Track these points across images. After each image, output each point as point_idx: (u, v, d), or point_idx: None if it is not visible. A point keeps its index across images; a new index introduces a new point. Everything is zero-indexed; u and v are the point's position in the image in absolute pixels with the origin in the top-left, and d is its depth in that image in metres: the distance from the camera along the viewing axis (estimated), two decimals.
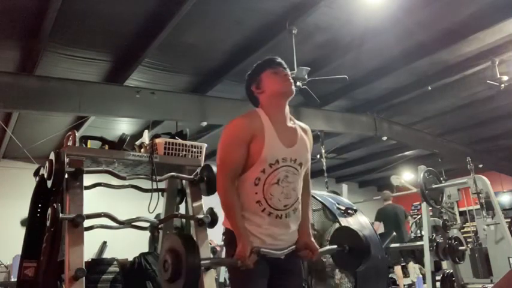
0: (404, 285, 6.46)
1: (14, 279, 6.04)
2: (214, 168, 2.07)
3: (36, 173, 2.69)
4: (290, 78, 1.80)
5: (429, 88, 6.95)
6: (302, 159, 1.75)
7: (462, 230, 6.63)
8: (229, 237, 1.72)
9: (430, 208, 5.04)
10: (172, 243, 1.60)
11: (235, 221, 1.66)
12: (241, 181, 1.71)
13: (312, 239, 1.81)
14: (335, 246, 2.04)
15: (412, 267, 6.90)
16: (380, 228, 6.36)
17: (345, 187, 6.47)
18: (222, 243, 5.86)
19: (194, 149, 2.86)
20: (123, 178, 2.60)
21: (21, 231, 2.58)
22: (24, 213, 2.58)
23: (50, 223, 2.21)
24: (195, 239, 2.56)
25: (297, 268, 1.82)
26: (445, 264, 5.67)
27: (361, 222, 3.23)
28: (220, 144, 1.73)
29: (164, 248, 1.64)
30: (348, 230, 2.19)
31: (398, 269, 6.40)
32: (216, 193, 1.75)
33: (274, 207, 1.68)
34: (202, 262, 1.60)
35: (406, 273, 7.05)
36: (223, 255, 6.16)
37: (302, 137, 1.80)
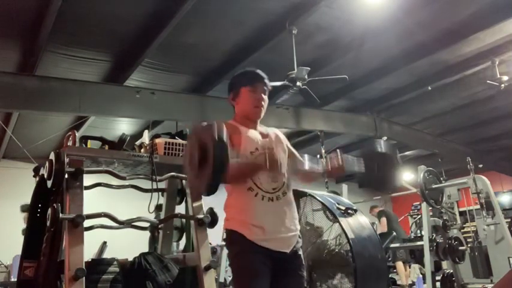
0: (404, 285, 6.46)
1: (14, 279, 6.03)
2: None
3: (35, 170, 2.68)
4: (263, 101, 1.88)
5: (429, 88, 6.95)
6: (280, 147, 1.85)
7: (462, 230, 6.63)
8: (231, 238, 1.75)
9: (430, 208, 5.04)
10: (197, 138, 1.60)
11: (243, 164, 1.72)
12: None
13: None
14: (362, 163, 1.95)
15: (412, 267, 6.90)
16: (384, 226, 6.47)
17: (345, 187, 6.47)
18: (222, 243, 5.86)
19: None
20: (123, 178, 2.60)
21: (22, 230, 2.58)
22: (21, 213, 2.58)
23: (50, 223, 2.21)
24: (195, 239, 2.57)
25: (300, 268, 1.83)
26: (445, 264, 5.67)
27: (361, 222, 3.23)
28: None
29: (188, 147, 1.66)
30: (379, 153, 2.06)
31: (400, 264, 6.38)
32: (216, 193, 1.75)
33: (264, 189, 1.75)
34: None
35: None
36: (223, 255, 6.17)
37: (274, 132, 1.94)
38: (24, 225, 2.59)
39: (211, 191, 1.57)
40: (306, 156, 1.97)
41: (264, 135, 1.88)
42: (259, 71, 1.92)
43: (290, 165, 1.87)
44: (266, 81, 1.90)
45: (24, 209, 5.81)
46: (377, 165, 1.98)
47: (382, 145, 2.04)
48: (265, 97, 1.90)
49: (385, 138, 8.03)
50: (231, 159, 1.64)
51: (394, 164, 1.99)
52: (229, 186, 1.80)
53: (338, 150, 1.90)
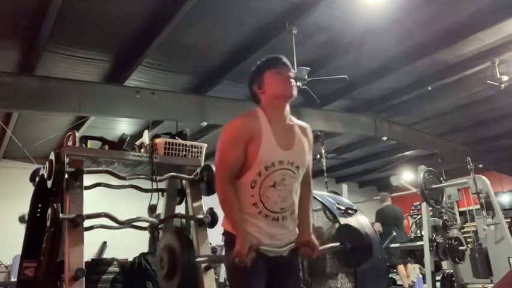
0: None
1: (14, 279, 6.03)
2: (214, 168, 2.08)
3: (32, 179, 2.68)
4: (293, 80, 1.76)
5: (429, 88, 6.95)
6: (300, 162, 1.74)
7: (462, 230, 6.62)
8: (229, 239, 1.73)
9: (430, 208, 5.03)
10: (168, 241, 1.60)
11: (234, 219, 1.67)
12: (239, 183, 1.71)
13: (313, 237, 1.80)
14: (337, 244, 2.03)
15: (412, 267, 6.89)
16: (379, 229, 6.37)
17: (345, 187, 6.47)
18: (222, 243, 5.86)
19: (194, 149, 2.86)
20: (123, 178, 2.60)
21: (21, 231, 2.58)
22: (24, 211, 2.58)
23: (50, 223, 2.21)
24: (195, 239, 2.57)
25: (296, 268, 1.83)
26: (445, 264, 5.67)
27: (361, 222, 3.23)
28: (219, 144, 1.73)
29: (160, 246, 1.64)
30: (350, 228, 2.19)
31: (401, 268, 6.36)
32: (216, 193, 1.75)
33: (270, 209, 1.68)
34: (198, 259, 1.60)
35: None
36: (225, 254, 6.17)
37: (300, 139, 1.78)
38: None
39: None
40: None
41: (289, 143, 1.72)
42: (278, 55, 1.81)
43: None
44: (288, 64, 1.79)
45: (22, 220, 5.81)
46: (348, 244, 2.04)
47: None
48: (290, 73, 1.76)
49: (385, 138, 8.04)
50: (244, 172, 1.65)
51: (364, 243, 2.04)
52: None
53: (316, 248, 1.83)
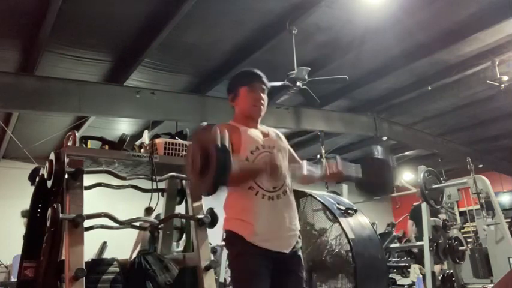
0: (404, 285, 6.45)
1: (14, 279, 6.03)
2: None
3: (30, 178, 2.68)
4: (263, 100, 1.88)
5: (429, 88, 6.95)
6: (279, 147, 1.88)
7: (462, 230, 6.62)
8: (230, 239, 1.75)
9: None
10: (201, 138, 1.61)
11: (244, 168, 1.71)
12: None
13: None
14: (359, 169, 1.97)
15: (412, 267, 6.88)
16: (412, 228, 6.27)
17: (345, 187, 6.46)
18: (222, 243, 5.85)
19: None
20: (123, 178, 2.59)
21: (21, 232, 2.58)
22: (26, 206, 2.58)
23: (50, 223, 2.21)
24: (195, 239, 2.57)
25: (299, 268, 1.83)
26: (445, 265, 5.66)
27: (361, 222, 3.23)
28: None
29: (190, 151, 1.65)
30: (376, 159, 2.11)
31: (438, 268, 5.80)
32: (216, 193, 1.75)
33: (264, 188, 1.75)
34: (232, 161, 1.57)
35: (405, 274, 7.03)
36: (223, 255, 6.17)
37: (274, 131, 1.96)
38: (24, 230, 2.58)
39: (211, 194, 1.58)
40: (305, 162, 1.97)
41: (265, 134, 1.90)
42: (256, 70, 1.92)
43: (290, 169, 1.88)
44: (264, 80, 1.90)
45: (24, 214, 5.81)
46: (374, 171, 2.02)
47: (379, 151, 2.08)
48: (264, 96, 1.90)
49: (385, 138, 8.04)
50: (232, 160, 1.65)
51: (390, 170, 2.04)
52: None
53: (337, 157, 1.90)
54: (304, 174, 1.92)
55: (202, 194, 1.72)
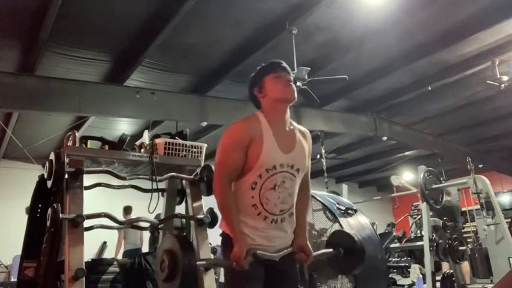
0: (404, 285, 6.45)
1: (14, 279, 6.03)
2: (214, 171, 2.08)
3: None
4: (293, 84, 1.77)
5: (429, 88, 6.94)
6: (300, 165, 1.75)
7: (462, 230, 6.62)
8: (226, 240, 1.73)
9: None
10: (169, 244, 1.61)
11: (232, 222, 1.67)
12: (239, 185, 1.72)
13: (308, 242, 1.81)
14: (330, 250, 2.04)
15: (412, 267, 6.88)
16: None
17: (345, 187, 6.47)
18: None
19: (194, 149, 2.86)
20: (123, 178, 2.59)
21: (22, 232, 2.58)
22: (22, 213, 2.58)
23: (50, 223, 2.21)
24: (195, 239, 2.56)
25: (293, 270, 1.83)
26: (446, 266, 5.66)
27: (361, 222, 3.23)
28: (219, 147, 1.73)
29: (161, 248, 1.65)
30: (344, 233, 2.20)
31: (465, 265, 5.40)
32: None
33: (270, 211, 1.69)
34: (198, 263, 1.60)
35: (405, 274, 7.03)
36: (222, 255, 6.16)
37: (301, 142, 1.79)
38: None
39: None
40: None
41: (290, 146, 1.73)
42: (277, 60, 1.82)
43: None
44: (286, 66, 1.80)
45: (28, 211, 5.80)
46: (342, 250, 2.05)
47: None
48: (292, 83, 1.77)
49: (385, 138, 8.04)
50: (244, 174, 1.66)
51: (357, 248, 2.06)
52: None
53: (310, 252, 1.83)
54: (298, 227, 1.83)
55: None
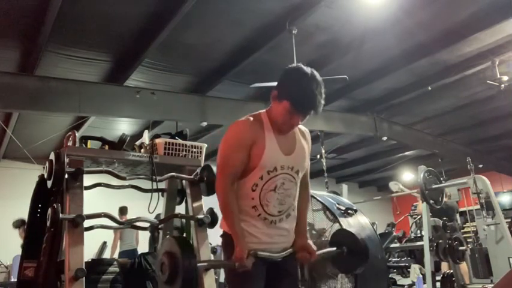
0: (404, 285, 6.45)
1: (14, 279, 6.03)
2: (215, 169, 2.08)
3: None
4: (296, 125, 1.72)
5: (429, 88, 6.95)
6: (299, 166, 1.76)
7: (462, 230, 6.62)
8: (227, 240, 1.73)
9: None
10: (169, 246, 1.61)
11: (233, 223, 1.67)
12: (240, 185, 1.72)
13: (310, 241, 1.82)
14: (334, 249, 2.04)
15: (412, 267, 6.88)
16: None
17: (345, 187, 6.46)
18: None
19: (194, 149, 2.86)
20: (123, 178, 2.59)
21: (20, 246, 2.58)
22: (21, 213, 2.58)
23: (50, 223, 2.21)
24: (195, 239, 2.56)
25: (294, 270, 1.84)
26: (445, 266, 5.66)
27: (361, 222, 3.23)
28: (222, 144, 1.73)
29: (162, 250, 1.65)
30: (347, 232, 2.20)
31: (463, 266, 5.44)
32: (216, 195, 1.76)
33: (269, 213, 1.70)
34: (199, 264, 1.60)
35: (405, 274, 7.03)
36: (223, 255, 6.16)
37: (301, 143, 1.80)
38: (20, 241, 2.60)
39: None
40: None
41: (290, 149, 1.74)
42: (315, 96, 1.62)
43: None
44: (316, 109, 1.65)
45: (16, 225, 5.81)
46: (345, 249, 2.05)
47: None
48: (302, 121, 1.71)
49: (385, 138, 8.04)
50: (245, 175, 1.66)
51: (360, 247, 2.05)
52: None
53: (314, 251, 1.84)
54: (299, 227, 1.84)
55: None
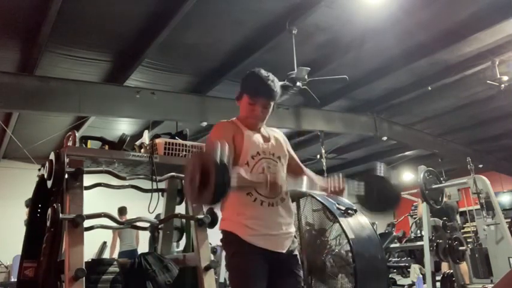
0: (404, 285, 6.45)
1: (14, 279, 6.04)
2: None
3: None
4: (261, 113, 1.81)
5: (429, 88, 6.95)
6: (280, 153, 1.87)
7: (462, 230, 6.62)
8: (227, 239, 1.75)
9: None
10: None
11: (240, 176, 1.63)
12: None
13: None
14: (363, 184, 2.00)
15: (412, 267, 6.88)
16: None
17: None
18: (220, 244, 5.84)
19: (194, 149, 2.86)
20: (123, 178, 2.60)
21: (21, 232, 2.59)
22: (21, 213, 2.58)
23: (50, 223, 2.21)
24: (195, 239, 2.57)
25: (296, 267, 1.84)
26: (445, 266, 5.66)
27: (361, 222, 3.23)
28: (207, 140, 1.86)
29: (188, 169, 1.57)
30: (377, 176, 2.12)
31: (463, 266, 5.36)
32: None
33: (263, 194, 1.73)
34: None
35: (405, 274, 7.03)
36: (223, 255, 6.16)
37: (275, 136, 1.92)
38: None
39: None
40: (308, 172, 1.96)
41: (266, 139, 1.86)
42: (265, 83, 1.79)
43: (291, 179, 1.83)
44: (270, 95, 1.80)
45: (27, 203, 5.80)
46: (376, 189, 2.02)
47: (381, 168, 2.10)
48: (266, 110, 1.83)
49: (385, 138, 8.04)
50: (231, 162, 1.64)
51: (392, 187, 2.04)
52: None
53: (340, 174, 1.91)
54: (305, 189, 1.86)
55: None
